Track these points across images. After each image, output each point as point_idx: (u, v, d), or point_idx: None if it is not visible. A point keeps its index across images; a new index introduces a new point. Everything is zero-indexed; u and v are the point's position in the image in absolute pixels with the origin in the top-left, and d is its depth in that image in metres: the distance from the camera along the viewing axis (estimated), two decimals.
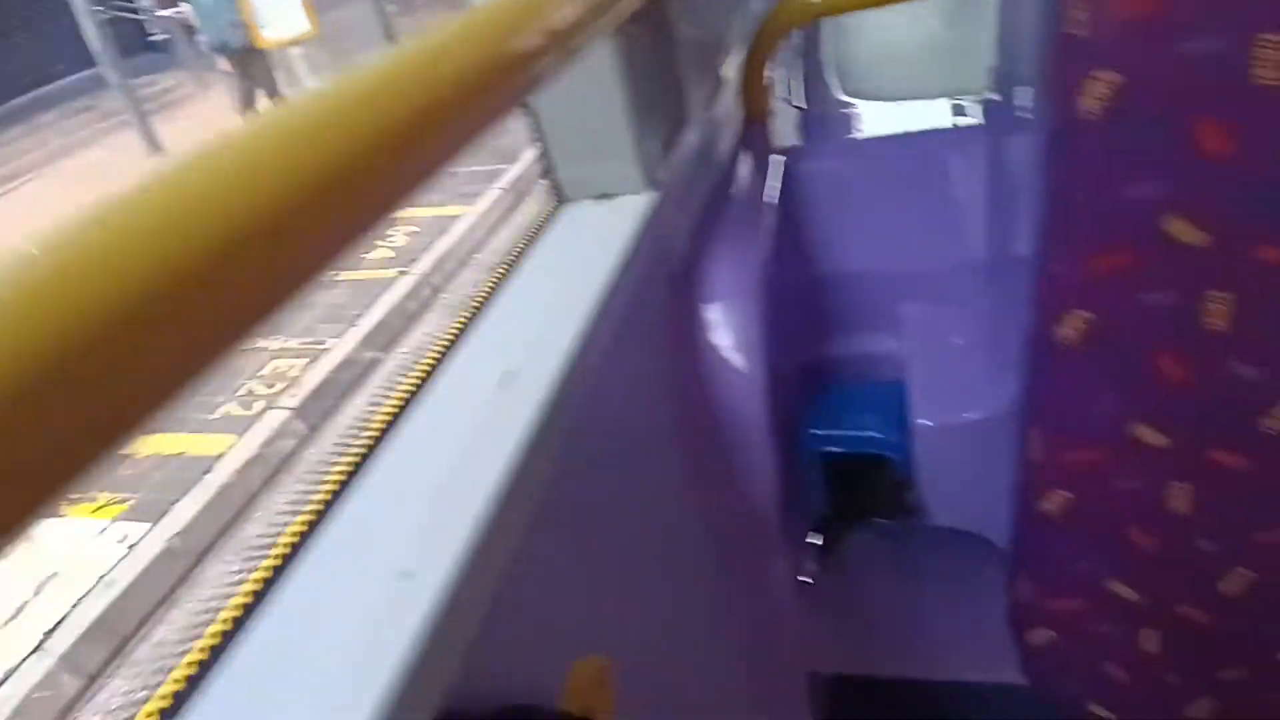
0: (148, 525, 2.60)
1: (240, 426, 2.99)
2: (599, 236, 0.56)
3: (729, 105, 0.99)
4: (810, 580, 0.76)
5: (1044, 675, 0.76)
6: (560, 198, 0.64)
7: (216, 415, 3.09)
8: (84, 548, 2.55)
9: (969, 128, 0.87)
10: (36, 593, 2.41)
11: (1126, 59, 0.44)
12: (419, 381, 0.45)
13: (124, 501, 2.73)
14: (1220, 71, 0.43)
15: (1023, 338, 0.60)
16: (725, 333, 0.66)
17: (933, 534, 0.79)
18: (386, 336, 3.59)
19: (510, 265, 0.57)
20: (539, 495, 0.39)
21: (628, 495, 0.59)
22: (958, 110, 0.94)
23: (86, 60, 10.89)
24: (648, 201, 0.60)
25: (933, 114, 1.08)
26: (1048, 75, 0.49)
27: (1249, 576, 0.60)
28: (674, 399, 0.68)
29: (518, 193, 4.95)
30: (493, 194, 4.74)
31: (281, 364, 3.35)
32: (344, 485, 0.39)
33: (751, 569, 0.78)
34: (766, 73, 1.01)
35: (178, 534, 2.55)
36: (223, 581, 2.49)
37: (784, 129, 1.02)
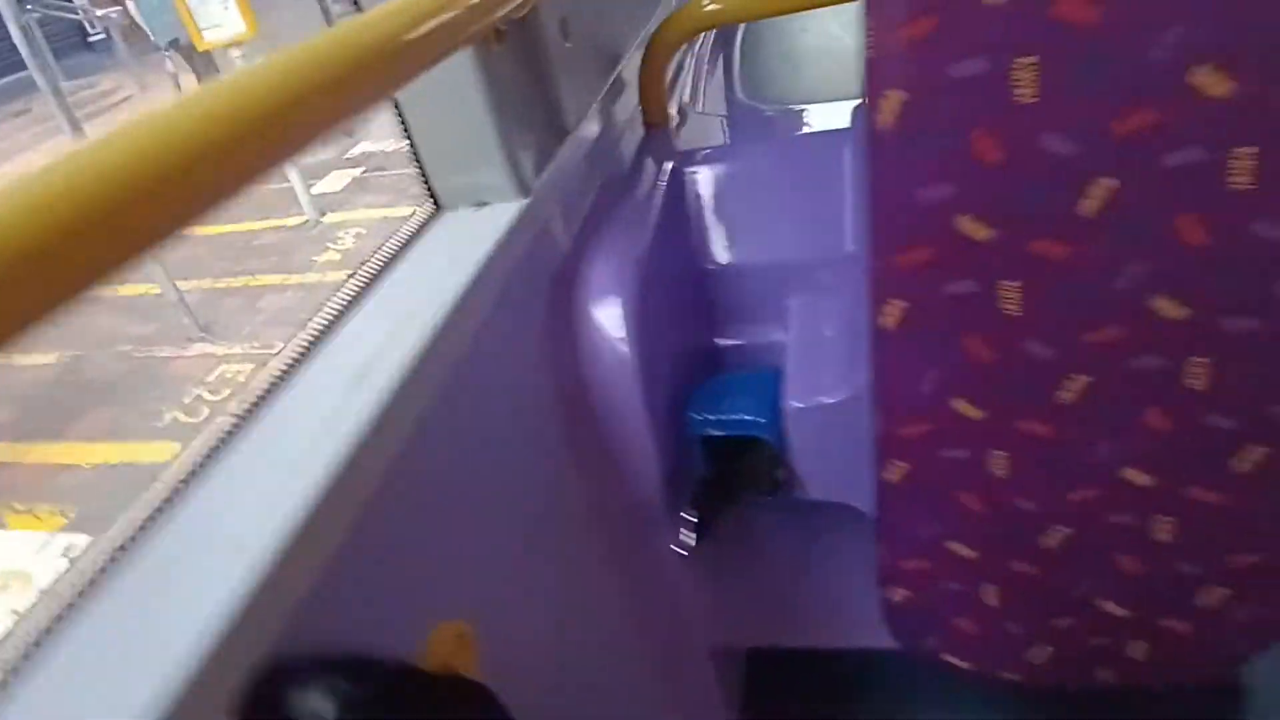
0: (89, 537, 2.58)
1: (186, 433, 2.97)
2: (469, 242, 0.61)
3: (628, 109, 1.04)
4: (684, 552, 0.81)
5: (905, 632, 0.83)
6: (437, 205, 0.68)
7: (163, 423, 3.07)
8: (25, 562, 2.53)
9: (840, 131, 0.93)
10: None
11: (909, 79, 0.50)
12: (278, 379, 0.50)
13: (66, 514, 2.70)
14: (986, 89, 0.49)
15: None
16: (603, 325, 0.71)
17: (809, 507, 0.85)
18: None
19: (381, 269, 0.61)
20: (382, 476, 0.44)
21: (502, 475, 0.64)
22: (830, 113, 1.00)
23: (19, 64, 10.57)
24: (520, 209, 0.65)
25: (834, 118, 1.14)
26: (862, 93, 0.54)
27: (1065, 532, 0.67)
28: (556, 388, 0.73)
29: None
30: None
31: (229, 369, 3.33)
32: (193, 474, 0.43)
33: (636, 546, 0.84)
34: (667, 78, 1.07)
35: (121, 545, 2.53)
36: None
37: (688, 133, 1.07)
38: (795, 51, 1.35)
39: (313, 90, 0.38)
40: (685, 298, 0.90)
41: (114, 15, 9.34)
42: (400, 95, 0.65)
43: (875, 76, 0.51)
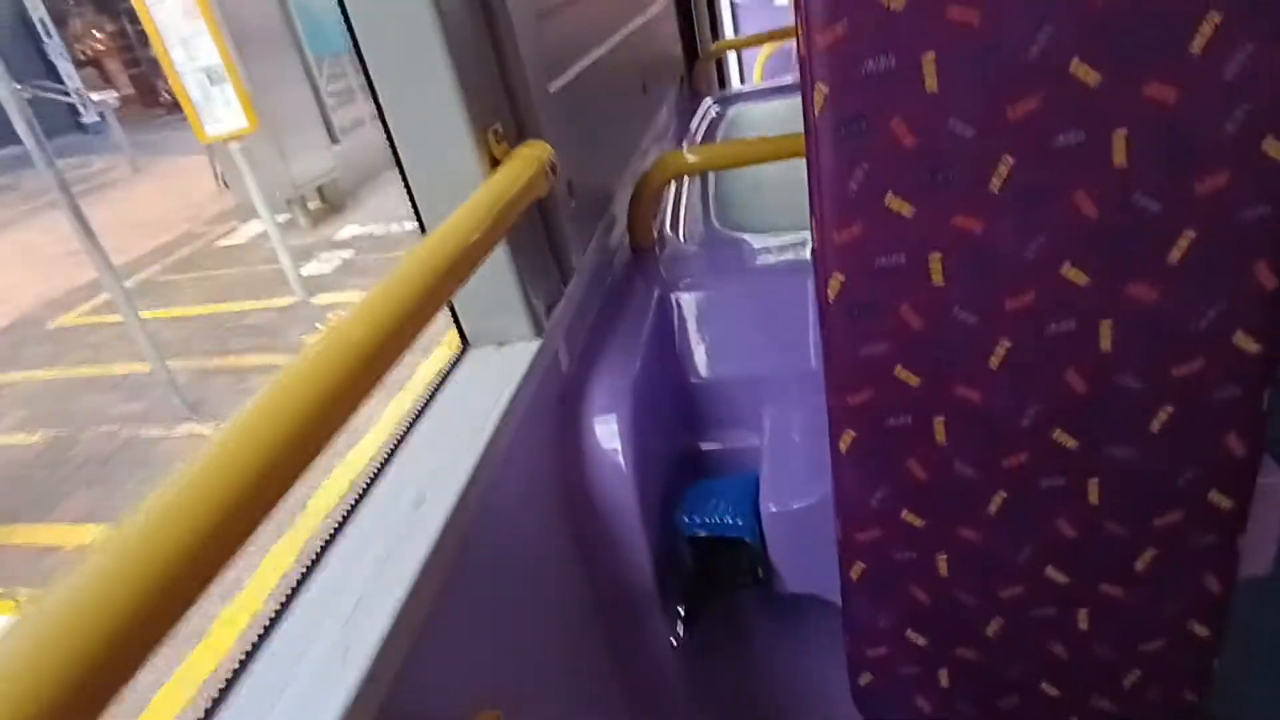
0: None
1: None
2: (495, 379, 0.74)
3: (619, 237, 1.20)
4: (676, 644, 0.91)
5: (873, 712, 0.92)
6: (465, 343, 0.82)
7: None
8: None
9: (803, 263, 1.08)
10: None
11: (831, 74, 0.58)
12: (350, 507, 0.61)
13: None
14: (897, 81, 0.57)
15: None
16: (603, 438, 0.83)
17: (787, 599, 0.96)
18: None
19: (426, 402, 0.74)
20: (441, 585, 0.55)
21: (524, 576, 0.75)
22: (794, 245, 1.16)
23: (5, 138, 10.76)
24: (535, 348, 0.78)
25: (798, 245, 1.26)
26: (801, 87, 0.61)
27: (1003, 497, 0.72)
28: (564, 494, 0.85)
29: None
30: None
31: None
32: (292, 593, 0.54)
33: (632, 636, 0.94)
34: (654, 211, 1.23)
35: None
36: (151, 675, 2.47)
37: (669, 258, 1.22)
38: (762, 184, 1.52)
39: (398, 322, 0.50)
40: (671, 407, 1.03)
41: (110, 100, 9.64)
42: None
43: (805, 72, 0.59)
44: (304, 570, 0.56)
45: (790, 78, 2.28)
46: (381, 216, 6.36)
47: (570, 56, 1.00)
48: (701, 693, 1.04)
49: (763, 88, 2.29)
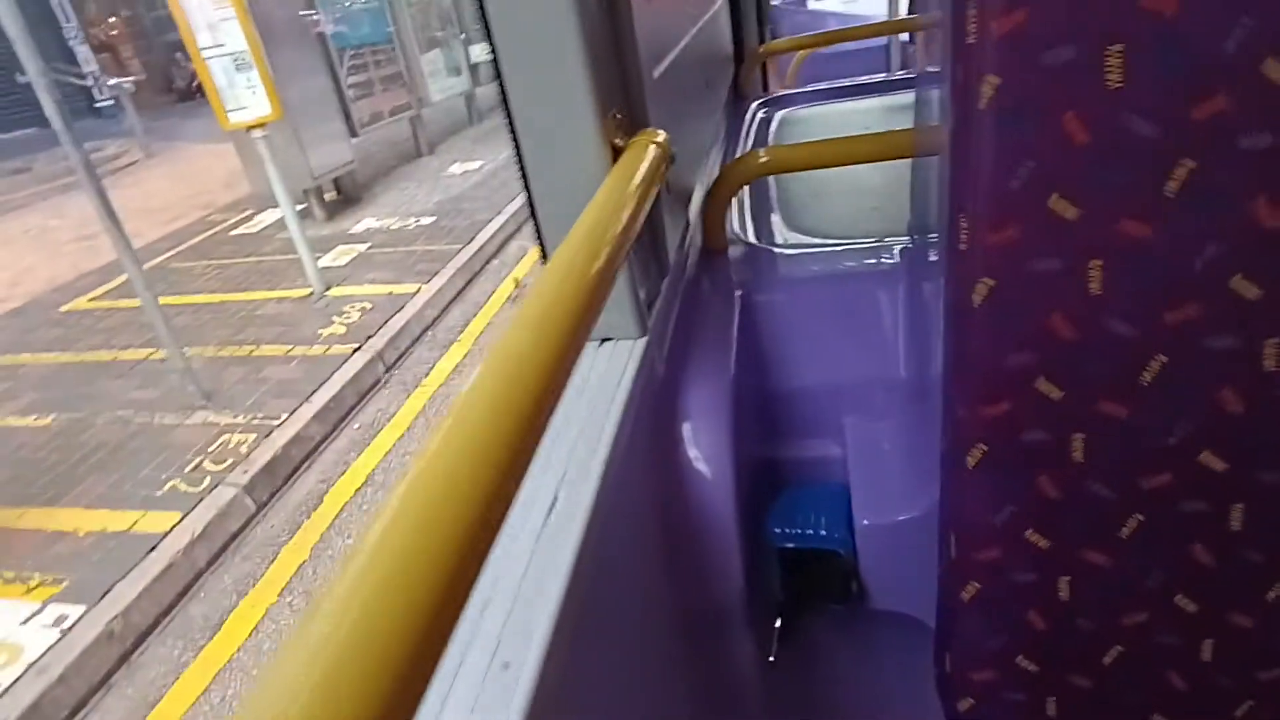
0: (83, 607, 2.53)
1: (187, 503, 2.95)
2: (605, 377, 0.70)
3: (695, 240, 1.16)
4: (774, 660, 0.88)
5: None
6: None
7: (162, 492, 3.05)
8: (12, 633, 2.46)
9: (890, 268, 1.04)
10: None
11: (1003, 65, 0.54)
12: None
13: (59, 583, 2.65)
14: (1076, 75, 0.53)
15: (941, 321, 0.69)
16: (704, 445, 0.80)
17: (875, 617, 0.92)
18: (339, 413, 3.61)
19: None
20: (581, 596, 0.52)
21: (627, 588, 0.72)
22: (880, 251, 1.12)
23: (20, 121, 10.73)
24: (641, 346, 0.74)
25: (867, 254, 1.23)
26: (951, 78, 0.58)
27: (1138, 520, 0.68)
28: (659, 501, 0.81)
29: (471, 272, 5.09)
30: (447, 273, 4.87)
31: (232, 439, 3.33)
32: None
33: (719, 650, 0.90)
34: (728, 213, 1.19)
35: (118, 615, 2.49)
36: (166, 665, 2.43)
37: (742, 260, 1.19)
38: (827, 189, 1.49)
39: (558, 324, 0.46)
40: (755, 415, 0.99)
41: (126, 85, 9.60)
42: (541, 243, 0.75)
43: (973, 61, 0.56)
44: None
45: (839, 81, 2.24)
46: (398, 211, 6.33)
47: (667, 43, 0.96)
48: (788, 709, 1.00)
49: (808, 91, 2.25)
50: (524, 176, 0.70)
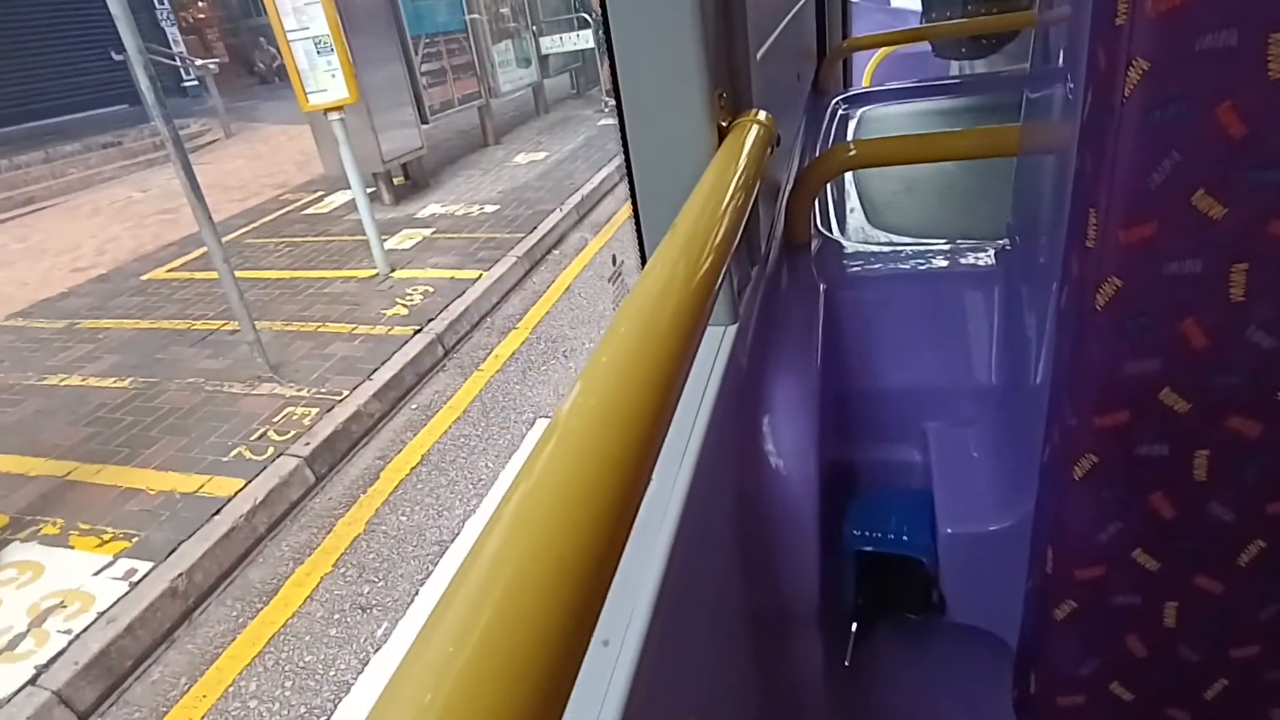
0: (151, 563, 2.63)
1: (251, 470, 3.05)
2: (700, 364, 0.68)
3: (776, 232, 1.14)
4: (848, 664, 0.85)
5: None
6: None
7: (229, 458, 3.15)
8: (86, 582, 2.58)
9: (986, 270, 1.00)
10: (37, 624, 2.42)
11: (1155, 49, 0.50)
12: None
13: (130, 538, 2.76)
14: (1235, 62, 0.49)
15: (1042, 411, 0.66)
16: (781, 442, 0.77)
17: (952, 630, 0.89)
18: (398, 392, 3.68)
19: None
20: (675, 581, 0.50)
21: (708, 584, 0.70)
22: (973, 252, 1.08)
23: (113, 98, 11.26)
24: (731, 334, 0.73)
25: (959, 254, 1.19)
26: (1089, 65, 0.54)
27: (1260, 546, 0.64)
28: (737, 496, 0.79)
29: (531, 260, 5.14)
30: (508, 261, 4.92)
31: (295, 411, 3.42)
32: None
33: (791, 648, 0.88)
34: (812, 208, 1.16)
35: (182, 574, 2.58)
36: (225, 625, 2.51)
37: (826, 255, 1.16)
38: (914, 186, 1.44)
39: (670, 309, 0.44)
40: (835, 414, 0.97)
41: (212, 66, 9.99)
42: (639, 224, 0.74)
43: (1119, 45, 0.52)
44: None
45: (922, 79, 2.18)
46: (462, 198, 6.43)
47: (767, 27, 0.94)
48: (856, 716, 0.97)
49: (888, 89, 2.20)
50: (625, 149, 0.69)
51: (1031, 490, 0.71)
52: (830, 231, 1.25)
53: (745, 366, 0.84)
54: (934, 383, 0.98)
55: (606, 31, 0.63)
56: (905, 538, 0.84)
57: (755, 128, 0.68)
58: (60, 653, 2.30)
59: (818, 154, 1.10)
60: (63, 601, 2.50)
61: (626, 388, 0.35)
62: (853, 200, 1.40)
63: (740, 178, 0.60)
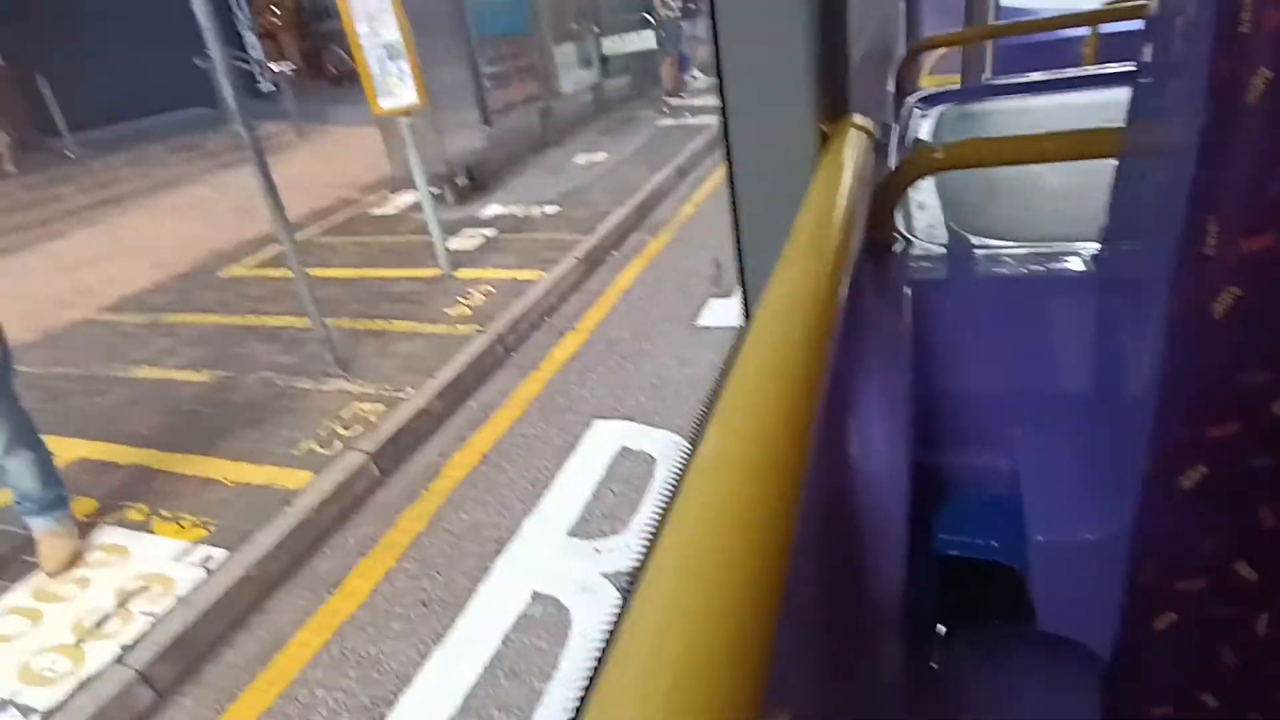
0: (226, 551, 2.75)
1: (319, 464, 3.15)
2: None
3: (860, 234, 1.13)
4: (934, 666, 0.83)
5: None
6: (748, 319, 0.77)
7: (298, 451, 3.26)
8: (166, 567, 2.70)
9: (1079, 275, 0.98)
10: (123, 605, 2.55)
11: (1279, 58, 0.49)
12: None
13: (206, 526, 2.89)
14: None
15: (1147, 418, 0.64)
16: (878, 443, 0.77)
17: (1040, 639, 0.86)
18: (460, 390, 3.76)
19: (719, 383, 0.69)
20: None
21: (804, 579, 0.69)
22: (1065, 255, 1.05)
23: (192, 100, 11.80)
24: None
25: (1049, 258, 1.16)
26: (1211, 72, 0.53)
27: None
28: (825, 495, 0.79)
29: (591, 262, 5.17)
30: (568, 262, 4.96)
31: (361, 408, 3.53)
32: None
33: (873, 655, 0.86)
34: (896, 210, 1.14)
35: (255, 562, 2.69)
36: (293, 613, 2.60)
37: (911, 257, 1.14)
38: (998, 189, 1.40)
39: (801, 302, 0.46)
40: (923, 417, 0.95)
41: (286, 70, 10.36)
42: (740, 231, 0.75)
43: (1242, 53, 0.51)
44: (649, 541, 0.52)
45: (1010, 77, 2.12)
46: (524, 199, 6.52)
47: (861, 27, 0.93)
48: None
49: (969, 89, 2.14)
50: (729, 154, 0.69)
51: (1128, 499, 0.69)
52: (912, 233, 1.22)
53: (838, 370, 0.83)
54: (1024, 387, 0.96)
55: (715, 35, 0.63)
56: (995, 543, 0.82)
57: (856, 133, 0.68)
58: (144, 634, 2.42)
59: (897, 155, 1.08)
60: (145, 585, 2.63)
61: (776, 385, 0.37)
62: (933, 201, 1.37)
63: (847, 186, 0.60)
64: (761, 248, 0.73)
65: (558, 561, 2.66)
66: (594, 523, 2.82)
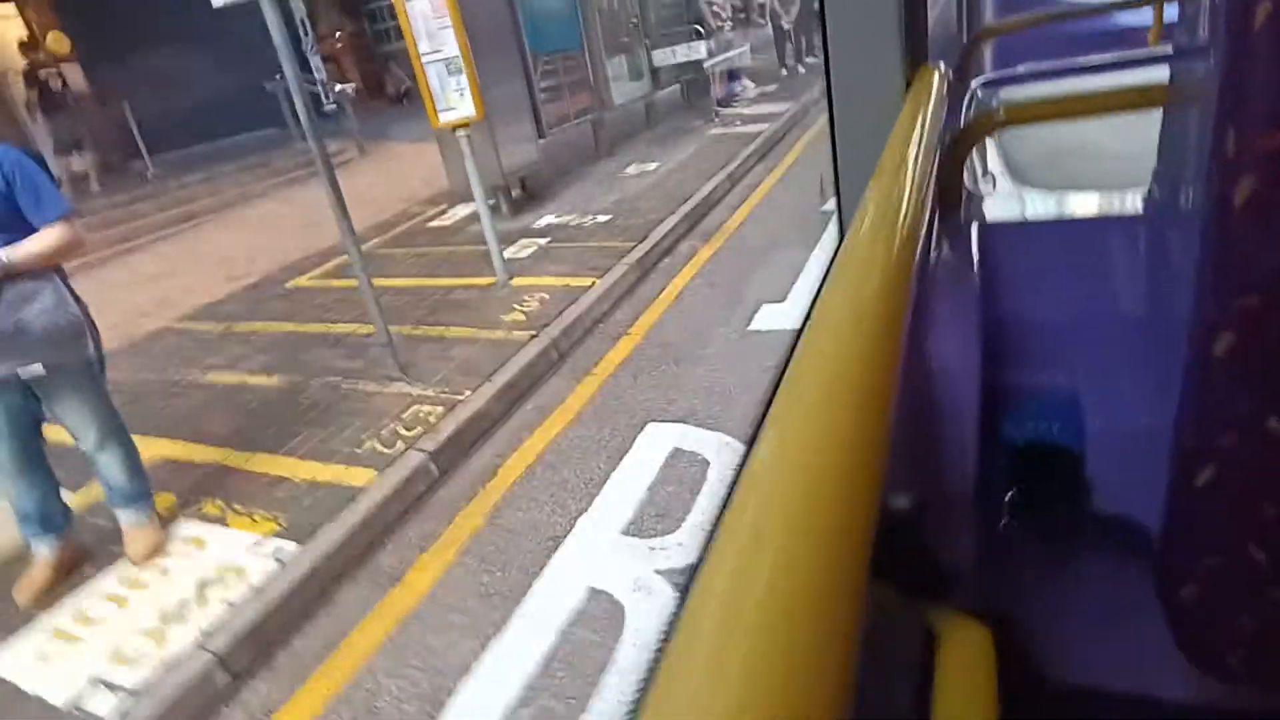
0: (296, 544, 2.87)
1: (382, 463, 3.26)
2: None
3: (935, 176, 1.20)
4: (997, 549, 0.90)
5: (1193, 641, 0.82)
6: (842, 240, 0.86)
7: (362, 450, 3.39)
8: (241, 559, 2.84)
9: (1131, 217, 1.03)
10: (201, 594, 2.69)
11: None
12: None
13: (277, 520, 3.02)
14: None
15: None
16: (948, 359, 0.82)
17: (1097, 518, 0.92)
18: (515, 393, 3.85)
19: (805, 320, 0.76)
20: None
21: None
22: (1116, 202, 1.12)
23: (263, 122, 12.40)
24: None
25: (1099, 203, 1.24)
26: (1226, 12, 0.53)
27: None
28: (906, 411, 0.86)
29: (642, 269, 5.24)
30: (620, 269, 5.04)
31: (421, 409, 3.64)
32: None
33: (943, 539, 0.93)
34: (963, 168, 1.20)
35: (323, 555, 2.80)
36: (358, 604, 2.71)
37: (971, 207, 1.20)
38: (1056, 146, 1.45)
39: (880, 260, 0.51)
40: (988, 341, 1.02)
41: (349, 91, 10.77)
42: (837, 158, 0.83)
43: None
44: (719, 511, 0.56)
45: (1064, 60, 2.13)
46: (576, 209, 6.64)
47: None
48: (1003, 599, 1.00)
49: (1033, 70, 2.15)
50: (829, 85, 0.78)
51: (1175, 387, 0.72)
52: (978, 189, 1.28)
53: (918, 296, 0.92)
54: (1082, 314, 1.03)
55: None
56: (1056, 429, 0.89)
57: (934, 79, 0.75)
58: (221, 621, 2.55)
59: (981, 111, 1.16)
60: (222, 575, 2.77)
61: (864, 324, 0.40)
62: (998, 168, 1.43)
63: (927, 122, 0.65)
64: (855, 173, 0.81)
65: (612, 559, 2.70)
66: (647, 522, 2.86)
